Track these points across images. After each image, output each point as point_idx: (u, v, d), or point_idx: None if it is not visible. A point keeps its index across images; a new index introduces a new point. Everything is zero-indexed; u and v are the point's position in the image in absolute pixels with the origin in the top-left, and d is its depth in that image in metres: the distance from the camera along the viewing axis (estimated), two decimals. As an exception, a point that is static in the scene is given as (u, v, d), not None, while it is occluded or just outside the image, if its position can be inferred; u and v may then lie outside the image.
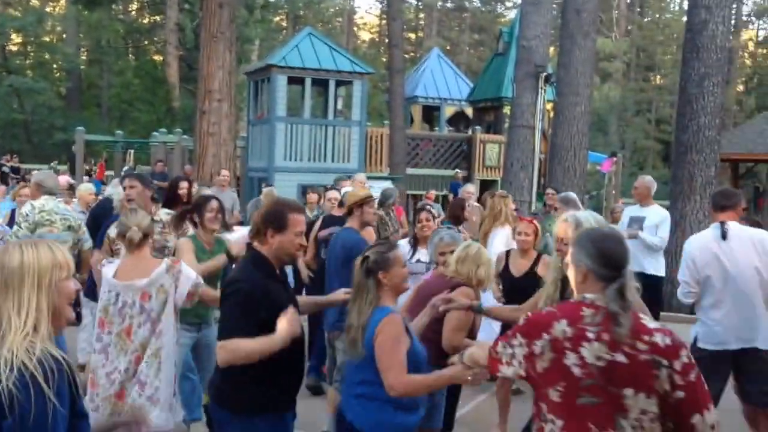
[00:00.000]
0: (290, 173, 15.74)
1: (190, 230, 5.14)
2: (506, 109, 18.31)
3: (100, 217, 6.25)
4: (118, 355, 3.89)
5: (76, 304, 5.64)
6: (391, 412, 3.18)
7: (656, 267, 7.22)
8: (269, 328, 2.97)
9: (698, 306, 4.91)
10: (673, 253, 8.68)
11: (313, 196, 8.82)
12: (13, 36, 34.66)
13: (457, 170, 18.91)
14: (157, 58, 34.55)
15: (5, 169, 22.46)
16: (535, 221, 5.89)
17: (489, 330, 5.65)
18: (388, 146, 17.84)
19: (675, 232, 8.99)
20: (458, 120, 23.80)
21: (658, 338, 2.25)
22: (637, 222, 7.37)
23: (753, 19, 46.97)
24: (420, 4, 49.19)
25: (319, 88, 18.13)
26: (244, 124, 19.61)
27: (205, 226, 4.96)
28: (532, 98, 11.65)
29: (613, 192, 18.59)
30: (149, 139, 21.94)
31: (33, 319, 1.97)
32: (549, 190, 8.06)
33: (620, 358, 2.23)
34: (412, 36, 49.24)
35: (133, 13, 38.44)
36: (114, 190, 7.14)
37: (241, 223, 8.82)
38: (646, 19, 47.21)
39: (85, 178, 17.33)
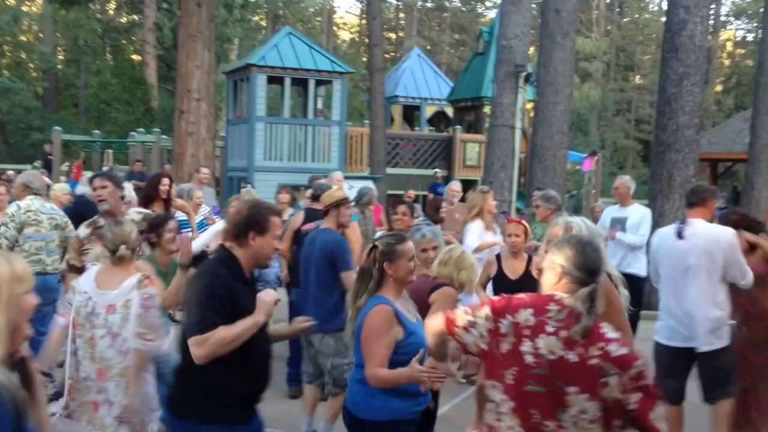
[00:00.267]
0: (270, 173, 15.65)
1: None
2: (486, 109, 18.31)
3: (76, 213, 6.20)
4: (84, 360, 3.80)
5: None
6: (385, 397, 3.21)
7: (637, 266, 7.22)
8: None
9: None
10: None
11: (285, 197, 8.73)
12: (-11, 35, 34.20)
13: (437, 170, 18.89)
14: (136, 57, 34.23)
15: (-20, 170, 22.11)
16: (523, 221, 5.87)
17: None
18: (368, 146, 17.80)
19: (654, 230, 9.01)
20: (439, 120, 23.79)
21: (612, 348, 2.34)
22: (620, 223, 7.40)
23: (731, 19, 47.45)
24: (400, 3, 49.17)
25: (299, 87, 18.06)
26: (224, 124, 19.48)
27: (163, 247, 4.74)
28: (512, 98, 11.63)
29: (593, 191, 18.66)
30: (127, 139, 21.74)
31: None
32: (535, 193, 8.05)
33: (571, 356, 2.33)
34: (393, 36, 49.22)
35: (111, 12, 38.08)
36: (85, 188, 7.05)
37: None
38: (625, 20, 47.51)
39: (62, 178, 17.10)
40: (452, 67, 41.92)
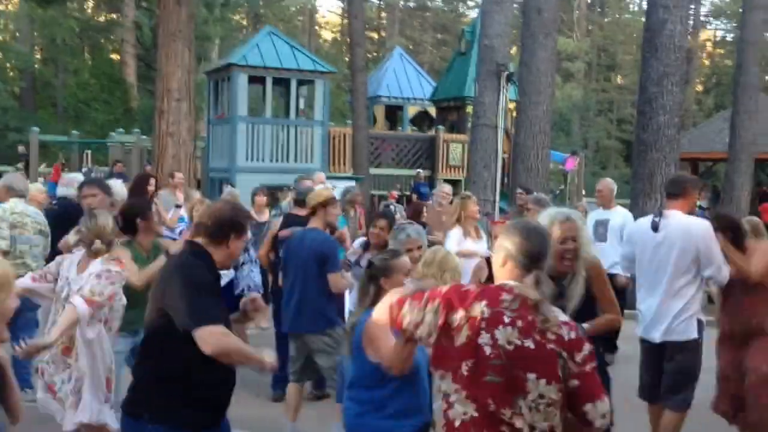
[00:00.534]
0: (252, 173, 15.53)
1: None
2: (469, 109, 18.29)
3: (63, 217, 6.06)
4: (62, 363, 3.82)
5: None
6: (375, 416, 3.17)
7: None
8: None
9: None
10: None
11: (262, 199, 8.65)
12: (-35, 34, 33.77)
13: (419, 170, 18.86)
14: (114, 57, 33.92)
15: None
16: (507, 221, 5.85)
17: None
18: (351, 146, 17.73)
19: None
20: (421, 120, 23.77)
21: (564, 331, 2.41)
22: (602, 225, 7.50)
23: (710, 19, 47.88)
24: (382, 3, 49.13)
25: (281, 87, 17.95)
26: (204, 124, 19.33)
27: (151, 229, 4.81)
28: (494, 97, 11.62)
29: (576, 190, 18.73)
30: (106, 140, 21.53)
31: None
32: (519, 191, 8.05)
33: (529, 344, 2.37)
34: (375, 36, 49.15)
35: (89, 10, 37.70)
36: (67, 189, 6.99)
37: None
38: (606, 20, 47.78)
39: (40, 179, 16.87)
40: (435, 67, 41.93)
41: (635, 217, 7.87)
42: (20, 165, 19.15)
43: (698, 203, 17.95)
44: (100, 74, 29.15)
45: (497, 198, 11.86)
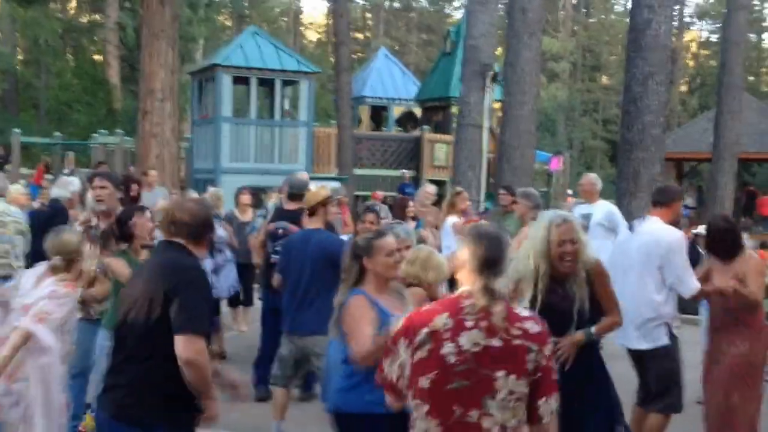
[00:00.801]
0: (237, 174, 15.46)
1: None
2: (454, 109, 18.26)
3: (51, 219, 6.06)
4: None
5: None
6: (358, 390, 3.25)
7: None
8: None
9: None
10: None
11: (245, 198, 8.57)
12: (-55, 35, 33.41)
13: (404, 171, 18.81)
14: (98, 57, 33.66)
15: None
16: (482, 220, 5.83)
17: None
18: (336, 146, 17.67)
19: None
20: (407, 120, 23.71)
21: (529, 325, 2.46)
22: (586, 219, 7.51)
23: (695, 20, 48.20)
24: (367, 3, 49.07)
25: (266, 88, 17.87)
26: (189, 125, 19.21)
27: (142, 236, 4.66)
28: (479, 97, 11.62)
29: (564, 191, 18.74)
30: (88, 141, 21.33)
31: None
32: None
33: (495, 342, 2.41)
34: (360, 36, 49.09)
35: (72, 11, 37.39)
36: (61, 191, 6.95)
37: None
38: (591, 20, 47.98)
39: (21, 181, 16.67)
40: (420, 68, 41.91)
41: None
42: (8, 167, 18.92)
43: (685, 202, 18.09)
44: (82, 75, 28.88)
45: (482, 198, 11.85)
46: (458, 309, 2.47)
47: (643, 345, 4.67)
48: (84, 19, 37.06)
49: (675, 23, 31.24)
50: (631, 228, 4.78)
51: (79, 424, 4.62)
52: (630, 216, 9.93)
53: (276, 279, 5.52)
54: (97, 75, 29.52)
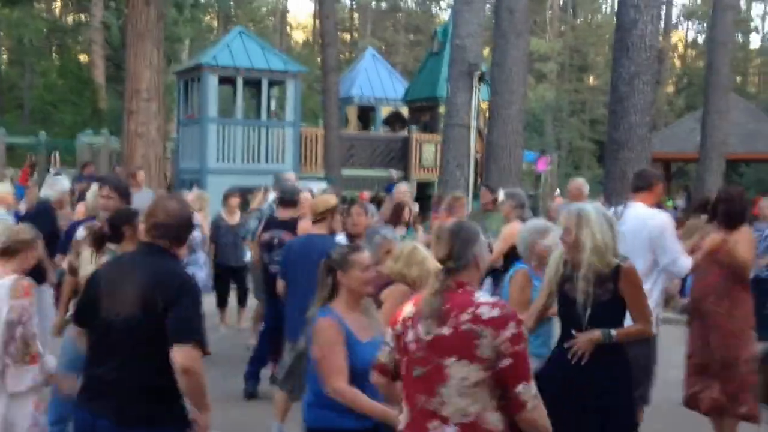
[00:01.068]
0: (223, 175, 15.38)
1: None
2: (442, 109, 18.23)
3: (38, 219, 5.99)
4: None
5: None
6: (325, 406, 3.16)
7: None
8: None
9: None
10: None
11: (234, 200, 8.51)
12: (-71, 35, 33.10)
13: (392, 171, 18.77)
14: (83, 58, 33.43)
15: None
16: (450, 219, 5.83)
17: None
18: (323, 147, 17.61)
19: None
20: (394, 120, 23.66)
21: (483, 310, 2.45)
22: None
23: (682, 20, 48.46)
24: (354, 4, 49.02)
25: (252, 88, 17.79)
26: (175, 125, 19.09)
27: (137, 237, 4.60)
28: (467, 97, 11.59)
29: (554, 192, 18.75)
30: (74, 141, 21.17)
31: None
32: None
33: (444, 331, 2.46)
34: (347, 37, 49.03)
35: (57, 11, 37.14)
36: (49, 191, 6.89)
37: None
38: (578, 20, 48.13)
39: (7, 180, 16.50)
40: (407, 68, 41.90)
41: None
42: None
43: (675, 202, 18.15)
44: (67, 75, 28.65)
45: (470, 198, 11.82)
46: (422, 299, 2.60)
47: None
48: (69, 19, 36.83)
49: (662, 24, 31.36)
50: (616, 214, 4.71)
51: (64, 429, 4.55)
52: (618, 217, 9.98)
53: (280, 285, 5.45)
54: (83, 75, 29.31)
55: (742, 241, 4.87)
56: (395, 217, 7.20)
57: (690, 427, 5.32)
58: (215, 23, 41.59)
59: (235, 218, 8.45)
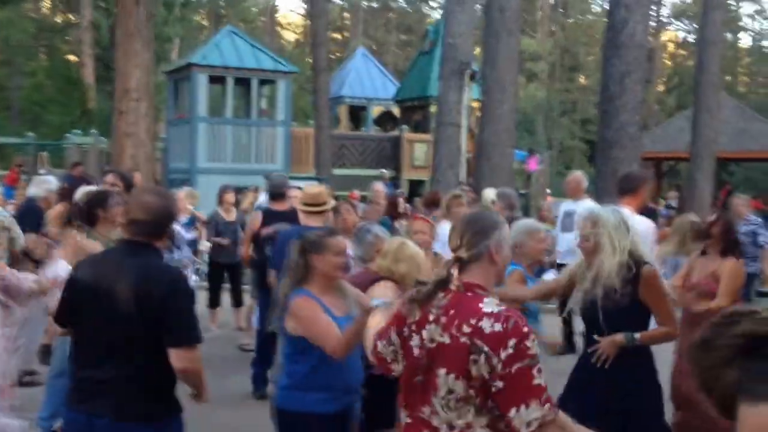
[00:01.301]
0: (213, 175, 15.28)
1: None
2: (433, 108, 18.22)
3: (25, 218, 5.97)
4: None
5: None
6: (299, 389, 3.21)
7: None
8: None
9: None
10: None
11: (230, 197, 8.46)
12: None
13: (383, 170, 18.73)
14: (72, 58, 33.25)
15: None
16: (429, 219, 5.80)
17: None
18: (314, 147, 17.55)
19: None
20: (385, 120, 23.62)
21: (485, 323, 2.23)
22: (570, 216, 7.50)
23: (672, 20, 48.60)
24: (345, 3, 48.95)
25: (242, 87, 17.71)
26: (164, 125, 18.98)
27: (112, 221, 4.56)
28: (458, 96, 11.58)
29: (541, 190, 18.74)
30: (62, 141, 21.04)
31: None
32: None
33: (445, 339, 2.30)
34: (338, 36, 48.97)
35: (45, 11, 36.92)
36: (36, 190, 6.85)
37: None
38: (569, 20, 48.21)
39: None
40: (399, 68, 41.86)
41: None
42: None
43: (667, 202, 18.16)
44: (56, 76, 28.50)
45: (462, 197, 11.79)
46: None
47: None
48: (58, 19, 36.63)
49: (652, 23, 31.44)
50: None
51: (54, 424, 4.53)
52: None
53: (272, 276, 5.41)
54: (71, 75, 29.17)
55: (724, 277, 4.74)
56: (392, 209, 7.19)
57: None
58: (206, 23, 41.47)
59: (232, 215, 8.40)
